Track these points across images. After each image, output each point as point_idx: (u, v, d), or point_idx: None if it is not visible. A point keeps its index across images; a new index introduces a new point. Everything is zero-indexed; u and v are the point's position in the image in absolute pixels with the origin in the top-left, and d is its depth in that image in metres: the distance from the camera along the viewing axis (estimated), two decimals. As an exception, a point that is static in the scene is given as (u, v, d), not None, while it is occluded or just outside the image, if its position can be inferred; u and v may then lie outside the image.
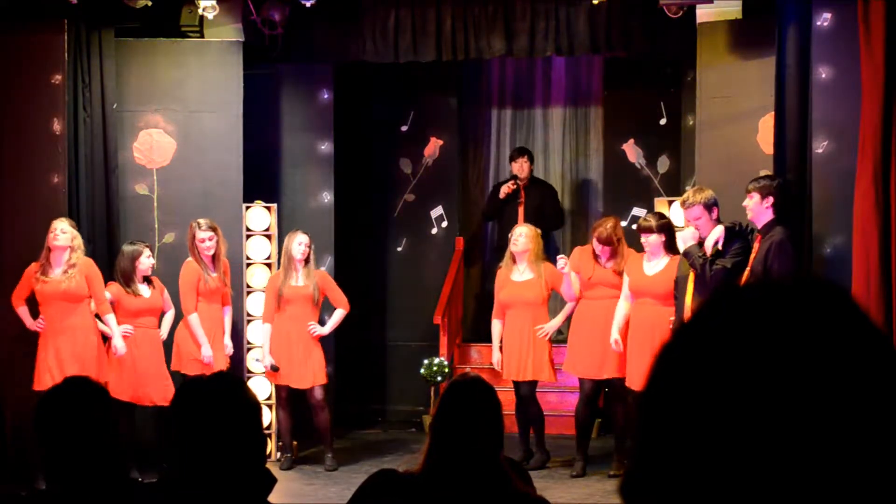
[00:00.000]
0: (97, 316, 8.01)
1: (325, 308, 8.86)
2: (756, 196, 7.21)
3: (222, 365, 8.26)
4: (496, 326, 8.67)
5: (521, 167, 10.34)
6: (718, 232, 7.33)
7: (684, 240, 7.56)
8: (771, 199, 7.19)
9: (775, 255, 6.98)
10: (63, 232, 7.81)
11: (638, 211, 10.25)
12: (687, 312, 7.22)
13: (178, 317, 8.44)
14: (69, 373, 7.42)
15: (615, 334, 8.02)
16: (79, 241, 7.88)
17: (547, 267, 8.53)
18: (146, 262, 8.16)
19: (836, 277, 7.07)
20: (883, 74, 7.17)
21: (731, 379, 0.95)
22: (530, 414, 8.53)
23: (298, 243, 8.50)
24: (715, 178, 8.20)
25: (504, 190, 10.24)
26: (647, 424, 1.00)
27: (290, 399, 8.65)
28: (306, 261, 8.54)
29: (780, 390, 0.93)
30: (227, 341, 8.53)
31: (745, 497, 0.93)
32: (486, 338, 10.39)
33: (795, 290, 1.00)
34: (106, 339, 8.06)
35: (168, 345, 8.35)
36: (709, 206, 7.41)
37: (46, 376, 7.60)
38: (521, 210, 10.20)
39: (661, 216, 8.14)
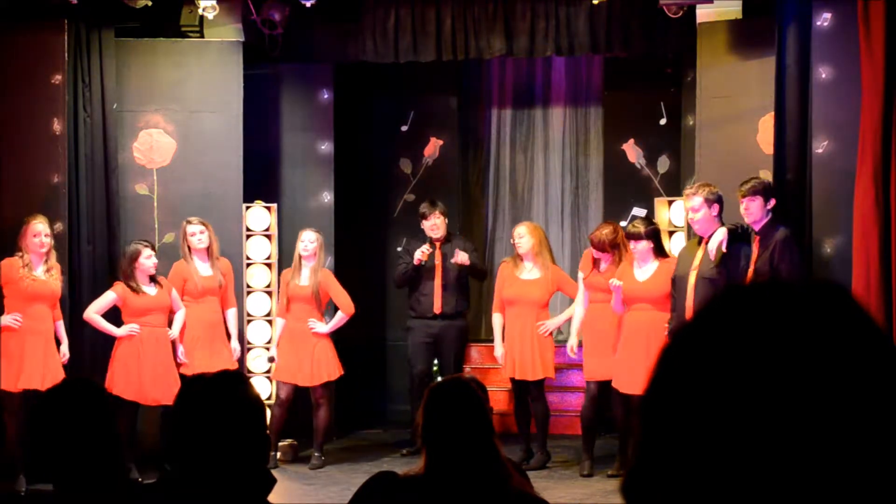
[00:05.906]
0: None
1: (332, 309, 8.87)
2: (759, 199, 7.21)
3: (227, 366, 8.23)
4: (497, 319, 8.66)
5: (433, 226, 8.92)
6: (721, 234, 7.32)
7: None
8: (773, 202, 7.23)
9: (782, 254, 6.99)
10: (46, 235, 7.83)
11: (638, 211, 10.23)
12: (688, 312, 7.22)
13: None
14: (53, 373, 7.50)
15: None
16: (51, 240, 7.89)
17: (555, 268, 8.53)
18: (146, 262, 8.14)
19: (836, 277, 7.06)
20: (883, 74, 7.17)
21: (734, 380, 0.95)
22: (537, 412, 8.51)
23: (302, 241, 8.62)
24: (715, 178, 8.18)
25: (418, 257, 8.84)
26: (649, 424, 1.00)
27: (289, 400, 8.64)
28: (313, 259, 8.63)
29: (782, 391, 0.93)
30: (235, 344, 8.50)
31: (747, 497, 0.93)
32: (487, 338, 10.40)
33: (798, 291, 1.00)
34: (109, 338, 8.09)
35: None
36: (710, 201, 7.41)
37: (20, 375, 7.62)
38: (438, 274, 8.93)
39: (649, 222, 8.15)
